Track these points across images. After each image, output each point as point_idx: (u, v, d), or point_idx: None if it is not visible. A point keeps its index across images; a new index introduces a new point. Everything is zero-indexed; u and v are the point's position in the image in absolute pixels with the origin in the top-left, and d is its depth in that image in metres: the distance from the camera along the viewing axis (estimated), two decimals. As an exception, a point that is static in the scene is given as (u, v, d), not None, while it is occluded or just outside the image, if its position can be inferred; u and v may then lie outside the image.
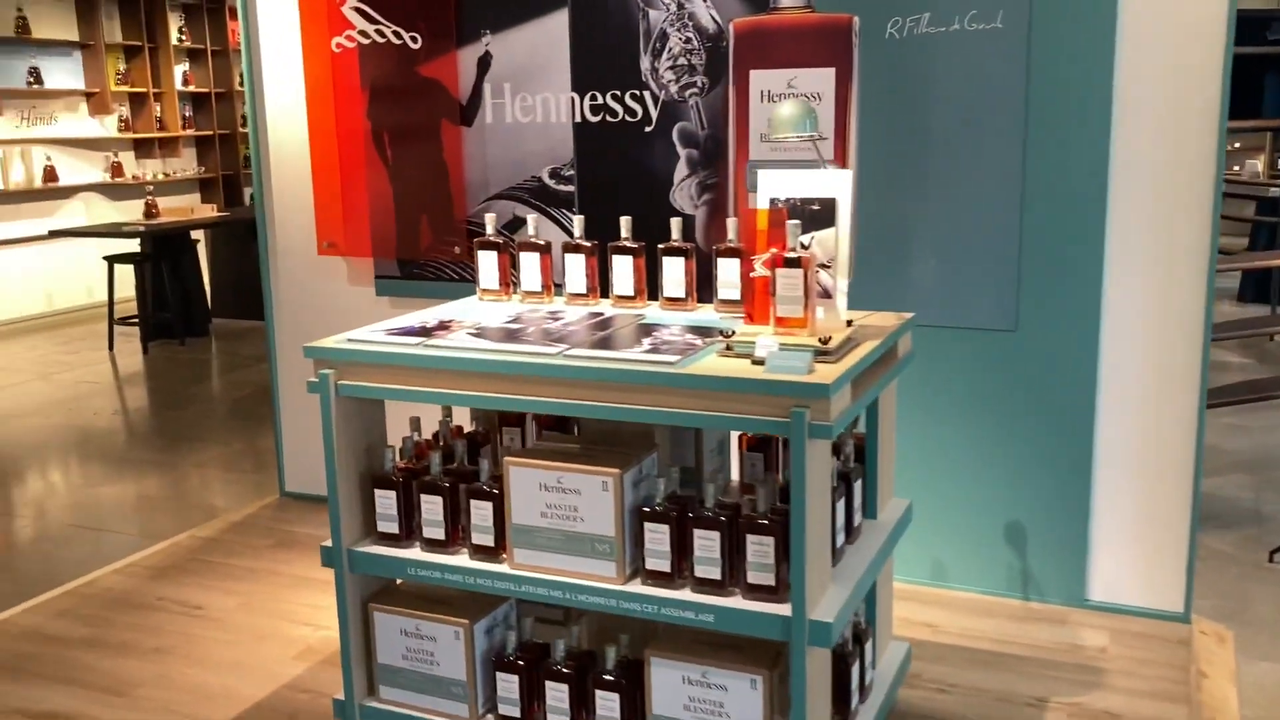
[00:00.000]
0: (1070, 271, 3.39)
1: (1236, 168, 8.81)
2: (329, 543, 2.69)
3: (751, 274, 2.45)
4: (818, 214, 2.42)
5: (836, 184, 2.43)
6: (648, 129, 3.83)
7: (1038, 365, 3.47)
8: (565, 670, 2.52)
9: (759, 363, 2.25)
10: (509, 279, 3.09)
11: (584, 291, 2.99)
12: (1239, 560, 4.00)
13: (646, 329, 2.65)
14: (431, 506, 2.61)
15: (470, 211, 4.19)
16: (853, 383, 2.27)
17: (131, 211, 9.84)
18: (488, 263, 3.10)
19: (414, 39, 4.12)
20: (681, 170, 3.81)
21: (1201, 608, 3.52)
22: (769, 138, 2.68)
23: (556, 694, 2.53)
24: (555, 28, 3.90)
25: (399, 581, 2.82)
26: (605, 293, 3.00)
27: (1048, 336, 3.44)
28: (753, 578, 2.29)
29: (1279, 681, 3.19)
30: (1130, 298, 3.37)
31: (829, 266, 2.41)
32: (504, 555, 2.55)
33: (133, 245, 8.74)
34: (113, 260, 8.68)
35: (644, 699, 2.46)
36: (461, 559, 2.59)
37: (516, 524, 2.49)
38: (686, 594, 2.35)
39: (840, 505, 2.48)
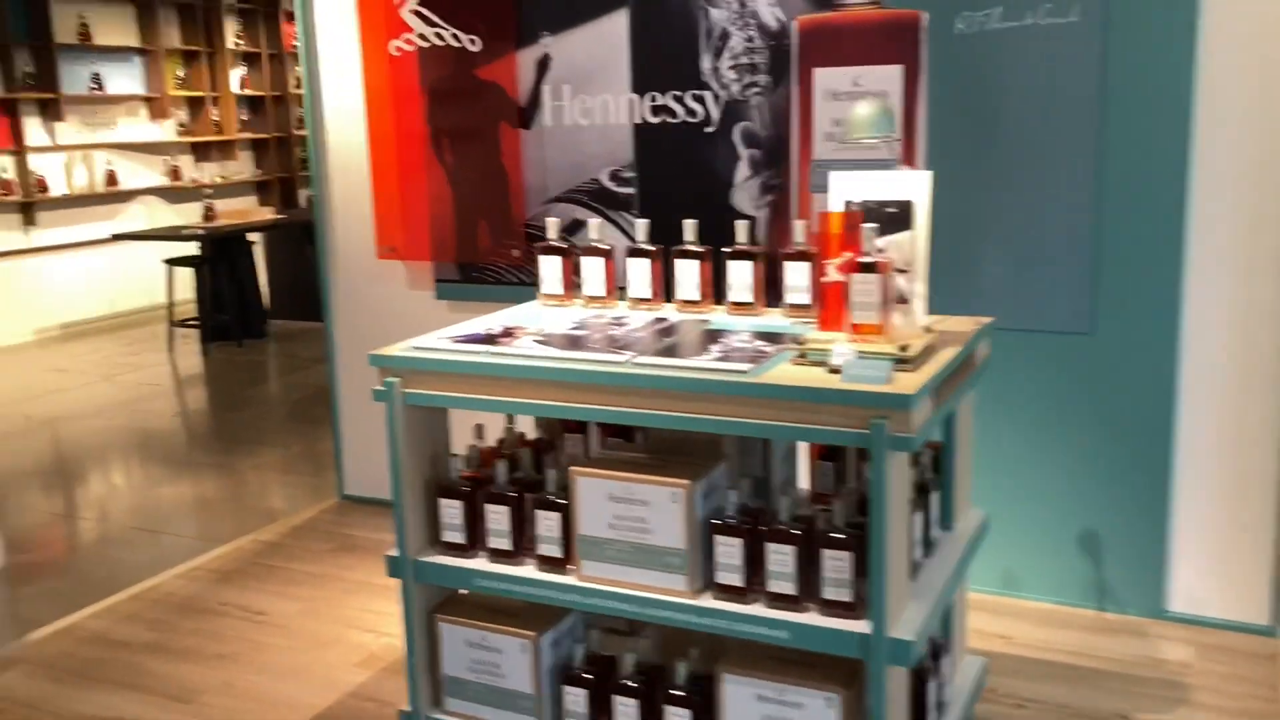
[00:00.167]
0: (1148, 272, 3.28)
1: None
2: (393, 551, 2.66)
3: (824, 279, 2.38)
4: (894, 217, 2.35)
5: (914, 186, 2.35)
6: (708, 129, 3.77)
7: (1115, 369, 3.36)
8: (635, 685, 2.47)
9: (835, 371, 2.18)
10: (571, 284, 3.05)
11: (648, 296, 2.93)
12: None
13: (713, 335, 2.59)
14: (497, 516, 2.57)
15: (529, 215, 4.15)
16: (933, 392, 2.20)
17: (190, 215, 9.94)
18: (550, 267, 3.06)
19: (473, 41, 4.09)
20: (743, 171, 3.74)
21: (1287, 620, 3.41)
22: (845, 138, 2.59)
23: (625, 709, 2.48)
24: (615, 28, 3.85)
25: (462, 591, 2.78)
26: (668, 297, 2.94)
27: (1125, 339, 3.33)
28: (829, 593, 2.22)
29: (1372, 698, 3.07)
30: (1212, 299, 3.25)
31: (906, 271, 2.34)
32: (571, 567, 2.50)
33: (192, 248, 8.83)
34: (172, 263, 8.78)
35: (716, 716, 2.40)
36: (528, 570, 2.54)
37: (584, 535, 2.44)
38: (760, 609, 2.28)
39: (918, 518, 2.40)
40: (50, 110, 9.43)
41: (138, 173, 10.30)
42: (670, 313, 2.87)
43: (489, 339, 2.64)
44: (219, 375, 7.96)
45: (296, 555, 4.28)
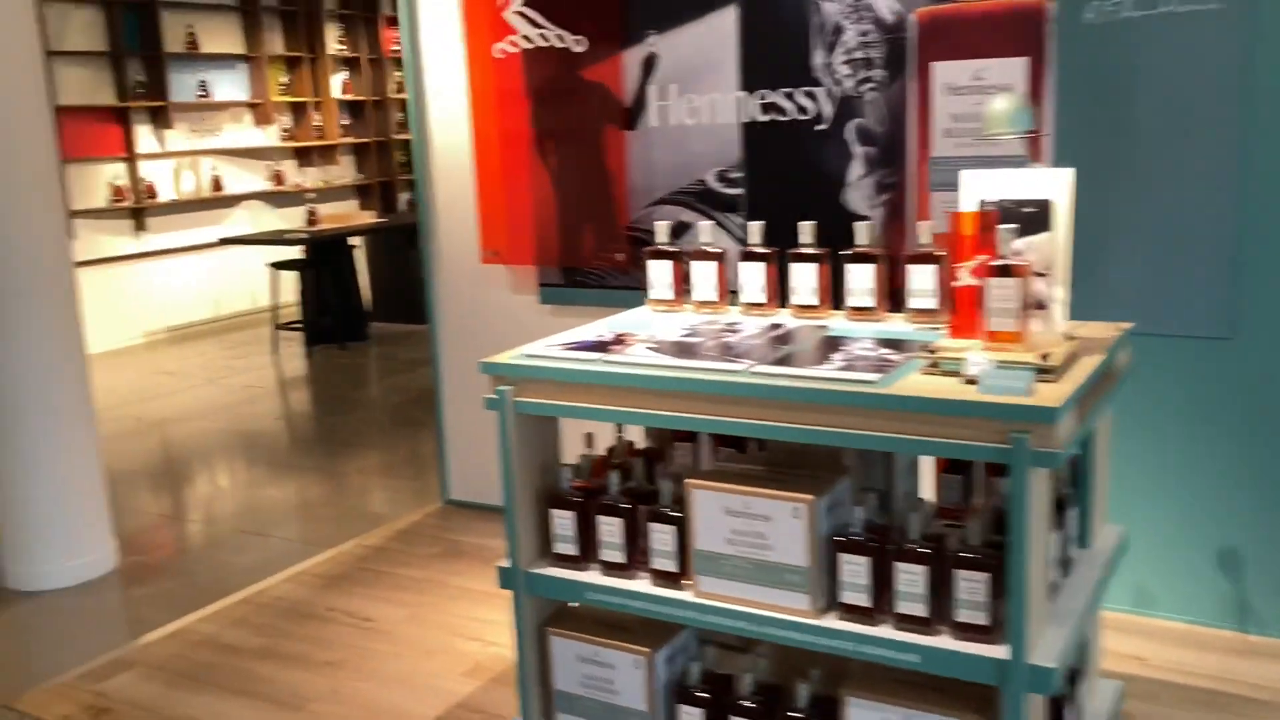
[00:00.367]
0: (1295, 273, 3.08)
1: None
2: (503, 562, 2.61)
3: (956, 283, 2.26)
4: (1032, 217, 2.21)
5: (1053, 184, 2.22)
6: (820, 127, 3.65)
7: (1256, 374, 3.17)
8: (753, 705, 2.38)
9: (971, 382, 2.05)
10: (682, 288, 2.96)
11: (762, 301, 2.83)
12: None
13: (833, 342, 2.48)
14: (610, 529, 2.50)
15: (633, 217, 4.08)
16: (1078, 404, 2.06)
17: (293, 219, 10.11)
18: (660, 272, 2.97)
19: (578, 42, 4.03)
20: (856, 170, 3.62)
21: None
22: (981, 134, 2.46)
23: (743, 730, 2.39)
24: (723, 25, 3.76)
25: (572, 604, 2.72)
26: (783, 301, 2.84)
27: (1267, 344, 3.13)
28: (963, 616, 2.10)
29: None
30: (1367, 301, 3.04)
31: (1045, 275, 2.20)
32: (686, 582, 2.42)
33: (295, 252, 8.97)
34: (277, 267, 8.93)
35: (839, 740, 2.30)
36: (642, 585, 2.46)
37: (700, 550, 2.36)
38: (888, 631, 2.17)
39: (1055, 536, 2.27)
40: (160, 118, 9.67)
41: (242, 178, 10.51)
42: (786, 318, 2.77)
43: (600, 346, 2.57)
44: (321, 378, 8.06)
45: (402, 560, 4.27)
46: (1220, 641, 3.25)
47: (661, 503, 2.45)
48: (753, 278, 2.82)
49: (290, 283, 9.21)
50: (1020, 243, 2.18)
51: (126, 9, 9.32)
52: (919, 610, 2.14)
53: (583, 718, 2.60)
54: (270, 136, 10.77)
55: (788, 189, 3.76)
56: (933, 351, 2.20)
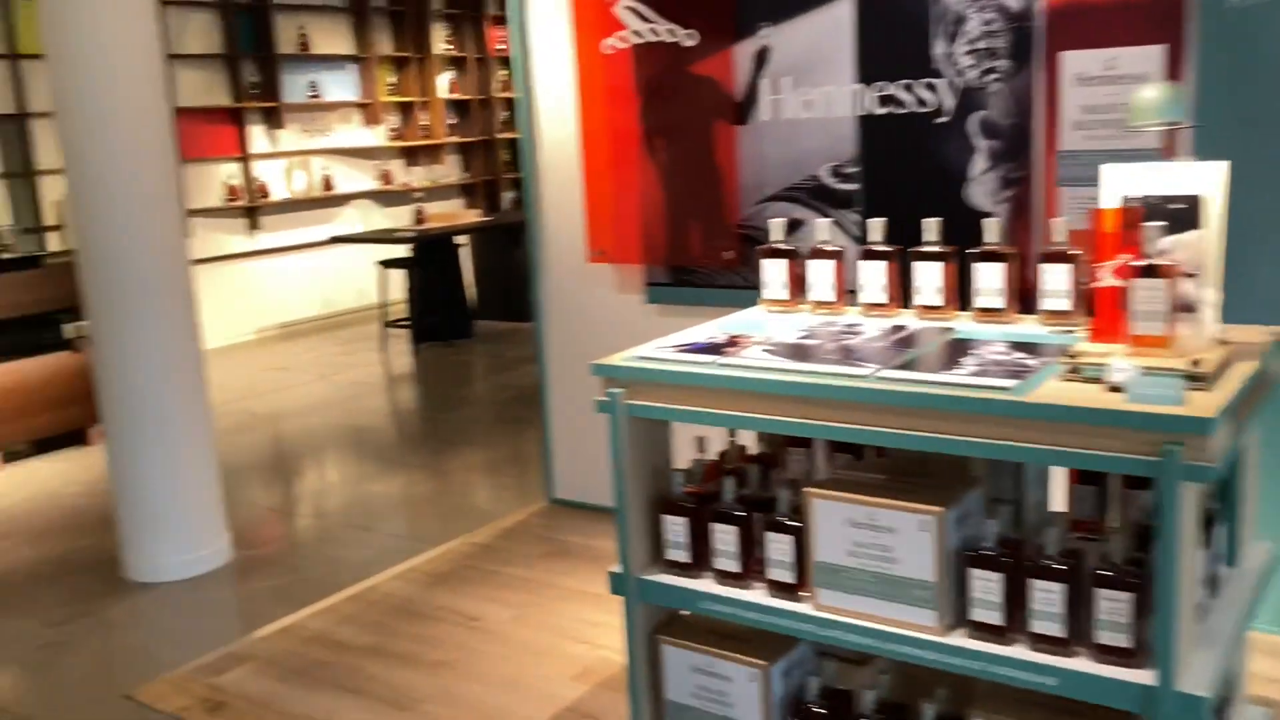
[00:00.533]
0: None
1: None
2: (614, 567, 2.56)
3: (1097, 283, 2.13)
4: (1180, 214, 2.08)
5: (1205, 179, 2.08)
6: (941, 120, 3.52)
7: None
8: (875, 724, 2.29)
9: (1116, 390, 1.93)
10: (797, 288, 2.87)
11: (883, 302, 2.73)
12: None
13: (962, 345, 2.37)
14: (724, 536, 2.42)
15: (743, 214, 3.99)
16: (1232, 414, 1.92)
17: (399, 217, 10.24)
18: (774, 271, 2.89)
19: (689, 36, 3.96)
20: (979, 164, 3.48)
21: None
22: (1126, 125, 2.32)
23: (864, 749, 2.29)
24: (839, 16, 3.65)
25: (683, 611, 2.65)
26: (904, 302, 2.73)
27: None
28: (1104, 638, 1.98)
29: None
30: None
31: (1194, 275, 2.06)
32: (805, 594, 2.33)
33: (400, 250, 9.08)
34: (385, 265, 9.05)
35: (967, 764, 2.19)
36: (758, 595, 2.38)
37: (821, 562, 2.27)
38: (1022, 651, 2.06)
39: (1202, 554, 2.12)
40: (272, 118, 9.88)
41: (352, 177, 10.68)
42: (909, 320, 2.66)
43: (714, 348, 2.49)
44: (427, 375, 8.14)
45: (508, 559, 4.26)
46: (1374, 666, 3.05)
47: (779, 511, 2.37)
48: (873, 277, 2.72)
49: (398, 280, 9.33)
50: (1167, 241, 2.04)
51: (241, 11, 9.53)
52: (1055, 630, 2.02)
53: (695, 730, 2.53)
54: (378, 136, 10.92)
55: (906, 184, 3.63)
56: (1072, 356, 2.08)
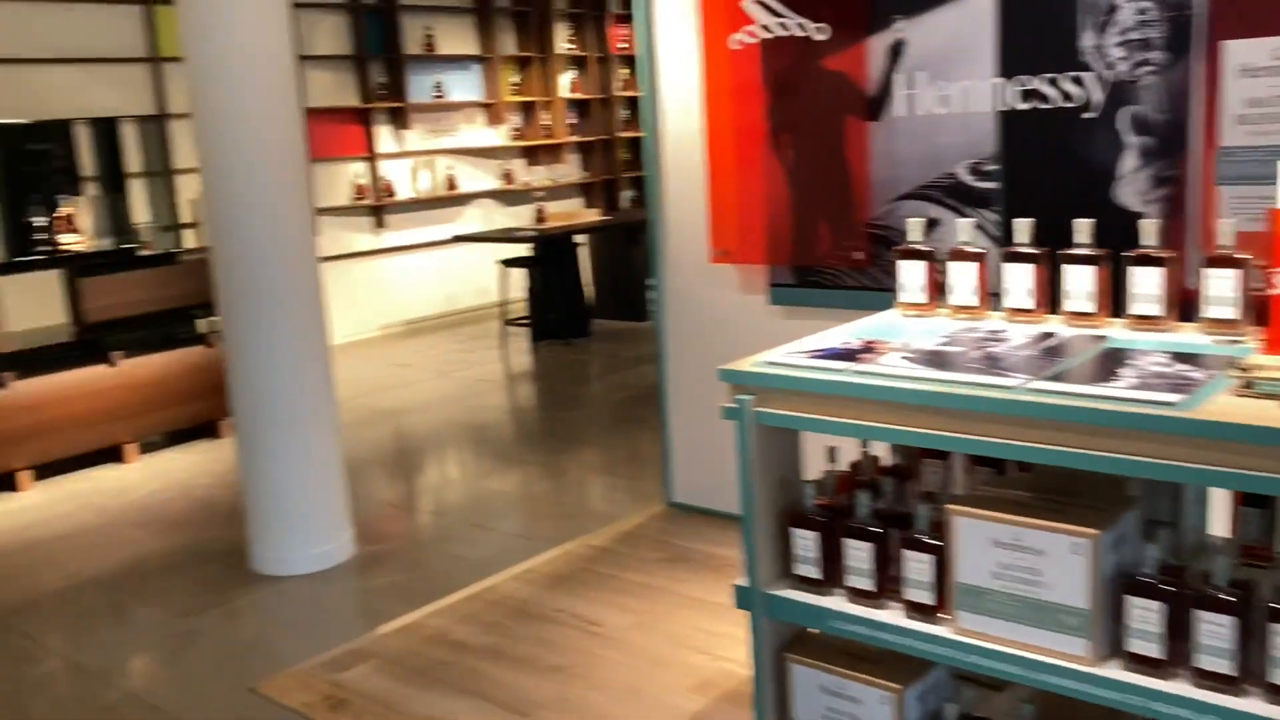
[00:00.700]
0: None
1: None
2: (740, 580, 2.47)
3: (1272, 290, 1.96)
4: (1373, 216, 1.90)
5: (1402, 177, 1.89)
6: (1088, 115, 3.34)
7: None
8: (1018, 757, 2.15)
9: (1298, 407, 1.77)
10: (935, 291, 2.74)
11: (1030, 307, 2.58)
12: None
13: (1117, 355, 2.21)
14: (858, 553, 2.31)
15: (873, 213, 3.86)
16: None
17: (520, 217, 10.30)
18: (911, 273, 2.76)
19: (820, 30, 3.84)
20: (1130, 162, 3.28)
21: None
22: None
23: (1006, 783, 2.16)
24: (979, 7, 3.49)
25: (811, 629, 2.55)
26: (1052, 308, 2.58)
27: None
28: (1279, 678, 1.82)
29: None
30: None
31: (1388, 283, 1.88)
32: (944, 616, 2.21)
33: (521, 249, 9.12)
34: (506, 264, 9.12)
35: (1120, 805, 2.05)
36: (893, 616, 2.27)
37: (962, 583, 2.15)
38: (1184, 688, 1.91)
39: (1390, 587, 1.94)
40: (399, 118, 10.03)
41: (475, 176, 10.78)
42: (1057, 327, 2.51)
43: (849, 355, 2.38)
44: (546, 373, 8.16)
45: (627, 564, 4.20)
46: None
47: (917, 528, 2.25)
48: (1019, 280, 2.57)
49: (518, 279, 9.39)
50: (1358, 245, 1.87)
51: (369, 13, 9.70)
52: (1224, 667, 1.87)
53: (823, 752, 2.43)
54: (501, 136, 11.01)
55: (1048, 183, 3.46)
56: (1244, 369, 1.91)
